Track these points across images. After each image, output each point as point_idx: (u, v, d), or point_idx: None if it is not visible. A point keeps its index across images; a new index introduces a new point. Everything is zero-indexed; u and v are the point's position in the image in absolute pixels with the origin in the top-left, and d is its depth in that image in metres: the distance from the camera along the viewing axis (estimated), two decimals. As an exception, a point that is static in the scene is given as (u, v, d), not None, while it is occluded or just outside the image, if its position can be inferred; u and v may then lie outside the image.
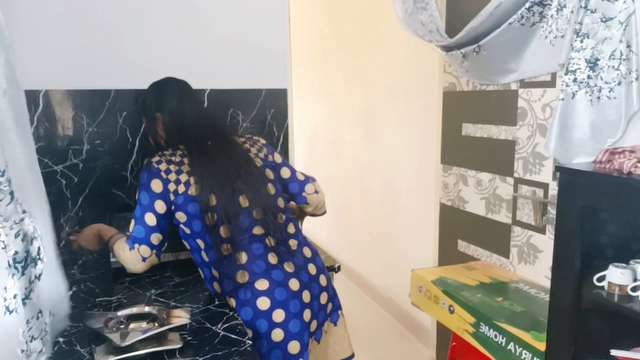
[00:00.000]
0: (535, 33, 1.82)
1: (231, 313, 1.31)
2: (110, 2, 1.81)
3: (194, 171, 1.35)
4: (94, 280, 1.52)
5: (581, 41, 1.53)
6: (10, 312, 0.84)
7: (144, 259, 1.32)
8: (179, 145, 1.42)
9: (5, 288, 0.83)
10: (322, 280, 1.47)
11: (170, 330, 1.15)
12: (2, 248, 0.83)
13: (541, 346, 1.49)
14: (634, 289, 1.29)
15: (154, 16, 1.88)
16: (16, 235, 0.87)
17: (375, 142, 3.42)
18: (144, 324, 1.16)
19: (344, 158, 3.93)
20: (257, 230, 1.38)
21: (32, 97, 1.73)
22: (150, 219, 1.31)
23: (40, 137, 1.76)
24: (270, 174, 1.49)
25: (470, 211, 2.41)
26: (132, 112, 1.87)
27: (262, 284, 1.33)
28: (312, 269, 1.44)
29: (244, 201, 1.38)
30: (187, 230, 1.37)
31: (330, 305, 1.51)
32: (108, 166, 1.86)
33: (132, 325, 1.16)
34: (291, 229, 1.48)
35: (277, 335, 1.32)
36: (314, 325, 1.42)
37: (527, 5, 1.75)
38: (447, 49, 2.18)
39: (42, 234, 1.00)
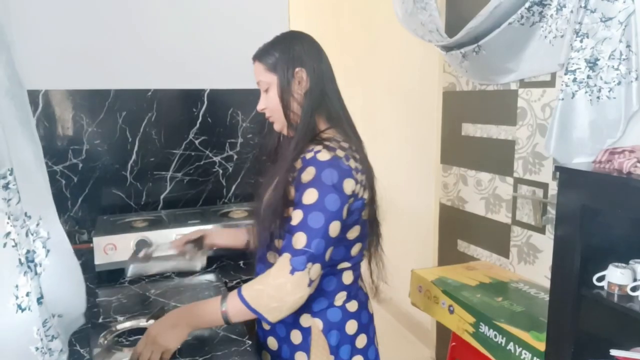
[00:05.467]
0: (534, 33, 1.82)
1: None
2: (110, 2, 1.81)
3: (366, 172, 1.12)
4: (94, 280, 1.52)
5: (581, 41, 1.53)
6: (23, 310, 0.84)
7: (310, 283, 0.99)
8: (320, 116, 1.14)
9: (16, 286, 0.83)
10: None
11: None
12: (13, 246, 0.82)
13: (541, 346, 1.49)
14: (633, 289, 1.29)
15: (153, 16, 1.88)
16: (27, 234, 0.87)
17: (375, 142, 3.42)
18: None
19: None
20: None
21: (31, 97, 1.72)
22: (335, 229, 1.02)
23: (39, 137, 1.74)
24: None
25: (470, 211, 2.41)
26: (132, 112, 1.87)
27: (352, 305, 1.17)
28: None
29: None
30: None
31: None
32: (108, 166, 1.87)
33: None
34: None
35: None
36: (378, 351, 1.28)
37: (526, 5, 1.75)
38: (447, 48, 2.18)
39: (51, 235, 0.99)
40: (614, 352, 1.34)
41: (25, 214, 0.92)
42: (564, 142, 1.60)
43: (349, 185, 1.04)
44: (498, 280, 2.00)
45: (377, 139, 3.39)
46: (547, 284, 1.79)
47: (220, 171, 2.04)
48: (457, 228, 2.53)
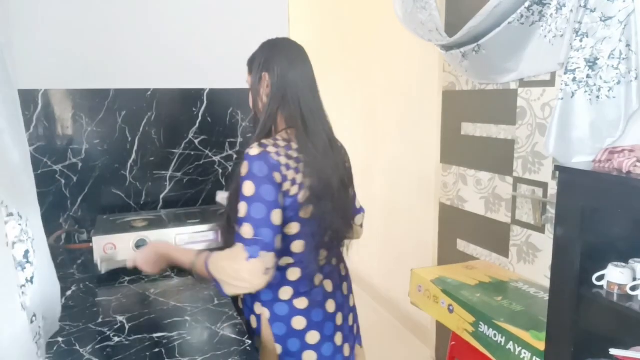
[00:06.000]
0: (534, 32, 1.82)
1: (230, 312, 1.31)
2: (109, 2, 1.81)
3: (308, 174, 1.17)
4: (94, 280, 1.52)
5: (580, 40, 1.53)
6: (24, 309, 0.84)
7: (266, 271, 1.08)
8: (278, 118, 1.23)
9: (19, 285, 0.83)
10: (351, 300, 1.42)
11: None
12: (13, 244, 0.83)
13: (540, 345, 1.49)
14: (633, 288, 1.29)
15: (153, 16, 1.88)
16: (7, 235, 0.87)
17: (375, 142, 3.42)
18: None
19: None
20: (322, 254, 1.28)
21: (31, 96, 1.73)
22: (277, 218, 1.10)
23: (39, 137, 1.76)
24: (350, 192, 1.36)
25: (469, 210, 2.41)
26: (132, 111, 1.87)
27: (301, 303, 1.24)
28: (345, 288, 1.38)
29: (328, 222, 1.23)
30: None
31: (356, 327, 1.45)
32: (107, 166, 1.86)
33: None
34: (342, 247, 1.39)
35: (309, 357, 1.25)
36: (346, 349, 1.35)
37: (526, 4, 1.75)
38: (447, 48, 2.18)
39: (35, 237, 1.00)
40: (613, 352, 1.34)
41: (18, 214, 0.92)
42: (564, 141, 1.60)
43: (277, 177, 1.12)
44: (498, 279, 2.00)
45: (377, 138, 3.39)
46: (546, 283, 1.79)
47: (220, 171, 2.04)
48: (456, 227, 2.53)
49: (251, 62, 1.29)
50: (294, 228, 1.18)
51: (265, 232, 1.08)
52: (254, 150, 1.12)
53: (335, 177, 1.23)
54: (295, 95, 1.22)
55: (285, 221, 1.16)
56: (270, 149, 1.13)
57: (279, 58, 1.23)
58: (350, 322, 1.41)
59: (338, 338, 1.30)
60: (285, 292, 1.22)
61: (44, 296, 1.01)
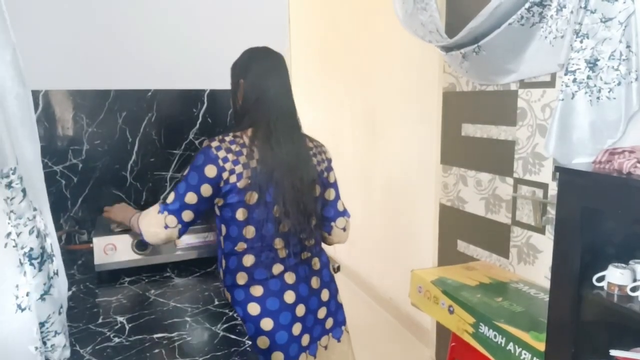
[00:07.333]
0: (535, 33, 1.82)
1: (231, 313, 1.31)
2: (110, 3, 1.82)
3: (249, 165, 1.31)
4: (94, 280, 1.52)
5: (581, 41, 1.53)
6: (23, 309, 0.84)
7: (166, 227, 1.33)
8: (249, 120, 1.37)
9: (16, 286, 0.84)
10: (324, 294, 1.45)
11: None
12: (14, 246, 0.83)
13: (541, 346, 1.49)
14: (633, 289, 1.29)
15: (154, 17, 1.88)
16: (30, 232, 0.88)
17: (375, 142, 3.42)
18: None
19: (343, 158, 3.93)
20: (278, 243, 1.35)
21: (32, 97, 1.73)
22: (190, 198, 1.32)
23: (40, 137, 1.73)
24: (317, 190, 1.43)
25: (469, 211, 2.41)
26: (132, 112, 1.87)
27: (256, 290, 1.34)
28: (314, 282, 1.42)
29: (277, 210, 1.33)
30: (217, 213, 1.38)
31: (330, 321, 1.48)
32: (108, 166, 1.87)
33: None
34: (310, 242, 1.43)
35: (263, 342, 1.33)
36: (305, 339, 1.40)
37: (526, 5, 1.75)
38: (447, 49, 2.18)
39: (49, 232, 1.01)
40: (613, 352, 1.34)
41: (35, 209, 0.93)
42: (564, 142, 1.61)
43: (210, 170, 1.29)
44: (498, 280, 2.00)
45: (377, 139, 3.39)
46: (546, 284, 1.79)
47: (220, 171, 2.04)
48: (456, 228, 2.53)
49: (232, 68, 1.45)
50: (242, 214, 1.32)
51: (175, 202, 1.32)
52: (203, 144, 1.34)
53: (291, 172, 1.33)
54: (266, 101, 1.36)
55: (234, 205, 1.31)
56: (214, 144, 1.32)
57: (255, 67, 1.39)
58: (321, 315, 1.45)
59: (296, 328, 1.37)
60: (242, 278, 1.35)
61: (63, 290, 1.02)
